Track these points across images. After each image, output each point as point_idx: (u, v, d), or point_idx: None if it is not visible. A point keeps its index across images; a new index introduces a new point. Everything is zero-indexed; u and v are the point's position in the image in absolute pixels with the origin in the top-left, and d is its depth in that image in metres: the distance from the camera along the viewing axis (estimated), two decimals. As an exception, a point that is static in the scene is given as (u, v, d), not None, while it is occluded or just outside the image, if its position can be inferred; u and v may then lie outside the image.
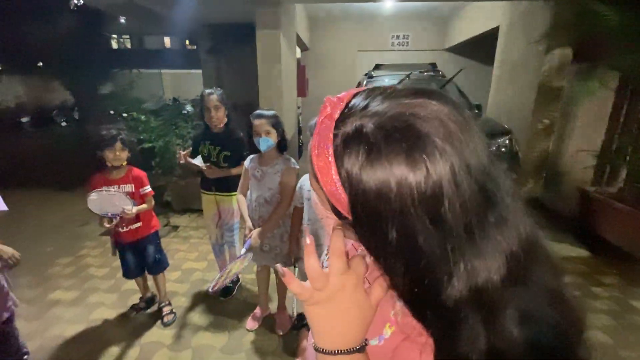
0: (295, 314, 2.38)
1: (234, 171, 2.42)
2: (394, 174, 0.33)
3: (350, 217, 0.37)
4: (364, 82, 5.21)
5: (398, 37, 8.21)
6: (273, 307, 2.46)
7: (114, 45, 14.90)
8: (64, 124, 10.14)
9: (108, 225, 2.00)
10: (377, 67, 6.18)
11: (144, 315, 2.46)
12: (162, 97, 7.03)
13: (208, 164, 2.39)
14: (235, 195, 2.50)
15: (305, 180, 1.96)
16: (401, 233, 0.33)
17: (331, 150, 0.37)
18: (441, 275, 0.33)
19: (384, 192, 0.33)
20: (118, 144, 2.07)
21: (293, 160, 2.02)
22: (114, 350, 2.12)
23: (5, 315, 1.42)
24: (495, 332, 0.32)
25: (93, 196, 1.98)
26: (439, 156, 0.32)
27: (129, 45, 16.71)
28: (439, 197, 0.32)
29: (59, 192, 5.12)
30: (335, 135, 0.37)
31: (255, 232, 1.89)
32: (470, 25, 6.62)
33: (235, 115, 2.47)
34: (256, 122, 1.93)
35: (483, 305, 0.33)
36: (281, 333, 2.26)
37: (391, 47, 8.28)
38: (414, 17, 7.89)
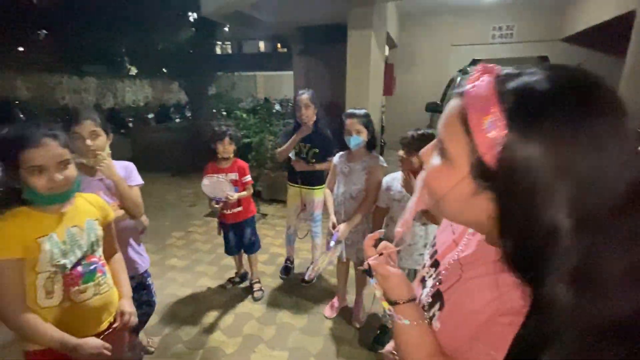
0: (371, 310, 2.45)
1: (319, 167, 2.63)
2: (564, 137, 0.34)
3: (492, 169, 0.39)
4: (458, 79, 4.94)
5: (500, 28, 7.49)
6: (350, 299, 2.57)
7: (218, 50, 16.95)
8: (178, 120, 12.04)
9: (217, 206, 2.36)
10: (474, 62, 5.77)
11: (237, 289, 2.83)
12: (255, 97, 7.79)
13: (296, 158, 2.63)
14: (319, 188, 2.71)
15: (393, 181, 1.95)
16: (548, 197, 0.35)
17: (499, 106, 0.38)
18: (562, 248, 0.35)
19: (549, 152, 0.34)
20: (227, 139, 2.43)
21: (381, 158, 2.09)
22: (213, 314, 2.51)
23: (144, 266, 1.84)
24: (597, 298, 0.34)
25: (205, 182, 2.37)
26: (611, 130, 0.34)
27: (229, 51, 18.84)
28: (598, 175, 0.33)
29: (175, 176, 6.16)
30: (501, 92, 0.39)
31: (343, 226, 2.02)
32: (595, 10, 5.66)
33: (323, 114, 2.63)
34: (348, 120, 2.04)
35: (591, 280, 0.34)
36: (358, 326, 2.36)
37: (492, 40, 7.60)
38: (521, 6, 7.09)
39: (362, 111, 2.08)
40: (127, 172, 1.68)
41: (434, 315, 0.60)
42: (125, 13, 7.26)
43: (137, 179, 1.71)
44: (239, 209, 2.57)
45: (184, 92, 9.37)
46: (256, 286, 2.75)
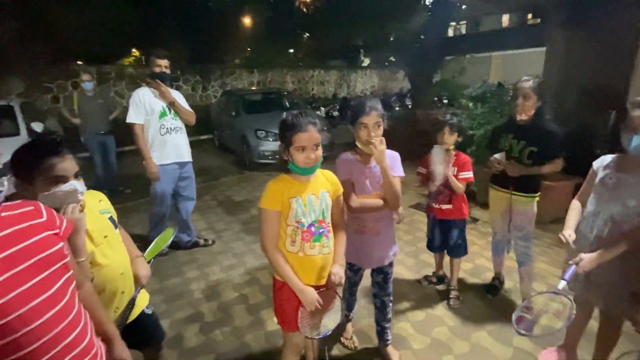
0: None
1: (546, 169, 2.19)
2: None
3: None
4: None
5: None
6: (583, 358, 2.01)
7: (450, 32, 16.42)
8: (397, 108, 12.86)
9: (435, 187, 2.40)
10: None
11: (432, 289, 2.83)
12: (486, 81, 7.08)
13: (508, 161, 2.27)
14: (534, 197, 2.30)
15: None
16: None
17: None
18: None
19: None
20: (447, 128, 2.38)
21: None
22: (404, 304, 2.63)
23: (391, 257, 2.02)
24: None
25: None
26: None
27: (463, 31, 17.89)
28: None
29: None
30: None
31: (589, 256, 1.58)
32: None
33: (548, 108, 2.18)
34: (637, 112, 1.53)
35: None
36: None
37: None
38: None
39: None
40: (391, 161, 1.76)
41: None
42: (366, 9, 8.30)
43: (400, 170, 1.79)
44: (449, 206, 2.52)
45: (408, 79, 9.84)
46: (453, 293, 2.64)
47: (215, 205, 4.70)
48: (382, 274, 2.03)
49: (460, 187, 2.41)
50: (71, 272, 0.95)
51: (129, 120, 2.94)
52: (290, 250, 1.52)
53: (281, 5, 11.91)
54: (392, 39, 9.17)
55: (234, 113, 7.04)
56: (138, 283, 1.49)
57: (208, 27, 12.06)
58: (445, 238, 2.62)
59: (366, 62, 16.86)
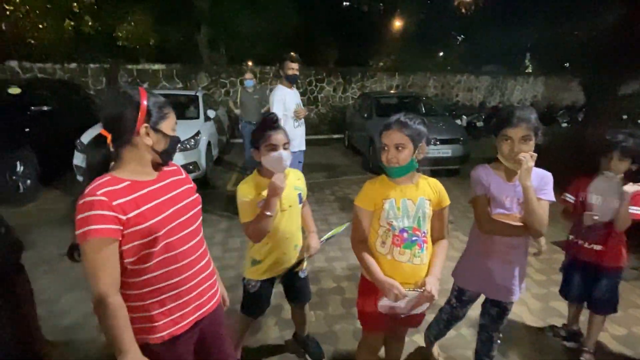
0: None
1: None
2: None
3: None
4: None
5: None
6: None
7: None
8: (564, 124, 10.81)
9: (595, 218, 1.98)
10: None
11: (557, 343, 2.37)
12: None
13: None
14: None
15: None
16: None
17: None
18: None
19: None
20: (616, 152, 1.94)
21: None
22: (520, 351, 2.30)
23: (515, 296, 1.74)
24: None
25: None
26: None
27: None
28: None
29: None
30: None
31: None
32: None
33: None
34: None
35: None
36: None
37: None
38: None
39: None
40: (540, 183, 1.59)
41: None
42: (542, 5, 7.25)
43: (550, 194, 1.60)
44: (601, 247, 2.06)
45: (582, 90, 8.16)
46: (586, 357, 2.16)
47: (332, 200, 5.04)
48: (499, 307, 1.80)
49: (626, 221, 1.94)
50: (201, 218, 1.34)
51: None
52: (379, 251, 1.56)
53: (436, 7, 11.62)
54: (569, 39, 7.78)
55: (366, 115, 7.32)
56: (307, 252, 1.89)
57: (357, 32, 12.80)
58: (589, 287, 2.16)
59: (530, 68, 14.72)
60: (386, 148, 1.50)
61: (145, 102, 1.14)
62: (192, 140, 5.16)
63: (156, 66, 9.81)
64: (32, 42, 10.20)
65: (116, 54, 10.01)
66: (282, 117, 3.43)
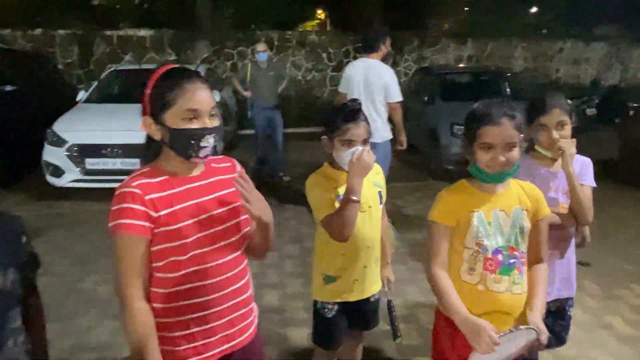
0: None
1: None
2: None
3: None
4: None
5: None
6: None
7: None
8: None
9: None
10: None
11: None
12: None
13: None
14: None
15: None
16: None
17: None
18: None
19: None
20: None
21: None
22: None
23: (571, 292, 2.10)
24: None
25: None
26: None
27: None
28: None
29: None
30: None
31: None
32: None
33: None
34: None
35: None
36: None
37: None
38: None
39: None
40: (581, 168, 1.98)
41: None
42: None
43: (591, 180, 2.01)
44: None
45: None
46: None
47: (379, 214, 5.16)
48: (560, 309, 2.11)
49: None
50: (247, 229, 1.45)
51: (398, 98, 4.31)
52: (467, 281, 1.62)
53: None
54: None
55: (426, 98, 7.36)
56: (387, 285, 2.11)
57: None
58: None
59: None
60: (490, 148, 1.55)
61: (149, 89, 1.28)
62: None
63: (142, 32, 10.37)
64: (-16, 2, 11.08)
65: (91, 17, 10.66)
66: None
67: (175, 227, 1.27)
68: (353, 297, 1.97)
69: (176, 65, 1.37)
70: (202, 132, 1.27)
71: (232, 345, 1.41)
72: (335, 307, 1.99)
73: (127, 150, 5.19)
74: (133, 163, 5.14)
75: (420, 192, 5.99)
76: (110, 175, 5.26)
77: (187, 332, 1.34)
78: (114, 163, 5.25)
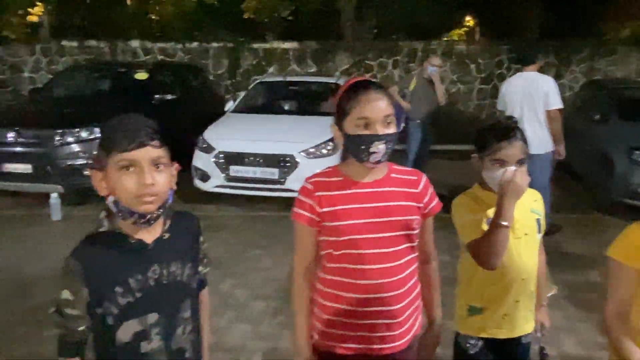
0: None
1: None
2: None
3: None
4: None
5: None
6: None
7: None
8: None
9: None
10: None
11: None
12: None
13: None
14: None
15: None
16: None
17: None
18: None
19: None
20: None
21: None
22: None
23: None
24: None
25: None
26: None
27: None
28: None
29: None
30: None
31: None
32: None
33: None
34: None
35: None
36: None
37: None
38: None
39: None
40: None
41: None
42: None
43: None
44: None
45: None
46: None
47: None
48: None
49: None
50: (414, 244, 1.58)
51: (558, 105, 4.49)
52: None
53: None
54: None
55: (597, 117, 6.70)
56: (541, 330, 2.02)
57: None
58: None
59: None
60: None
61: (336, 100, 1.50)
62: (330, 143, 5.69)
63: (286, 44, 11.20)
64: (153, 17, 12.94)
65: (240, 31, 11.78)
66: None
67: (332, 224, 1.50)
68: (501, 334, 1.87)
69: (361, 78, 1.61)
70: (371, 139, 1.43)
71: (369, 348, 1.55)
72: (480, 343, 1.89)
73: (267, 160, 5.61)
74: (272, 172, 5.64)
75: (584, 226, 5.52)
76: (250, 182, 5.74)
77: (330, 317, 1.57)
78: (255, 172, 5.67)
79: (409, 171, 1.65)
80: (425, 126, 6.31)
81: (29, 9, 11.87)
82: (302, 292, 1.60)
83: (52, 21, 12.61)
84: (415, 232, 1.56)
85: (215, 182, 5.74)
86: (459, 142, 8.32)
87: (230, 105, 7.09)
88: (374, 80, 1.62)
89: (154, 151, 1.12)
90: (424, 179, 1.62)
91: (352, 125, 1.45)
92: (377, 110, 1.43)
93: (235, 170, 5.71)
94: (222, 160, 5.69)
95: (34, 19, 12.36)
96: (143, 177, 1.09)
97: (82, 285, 1.12)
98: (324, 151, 5.65)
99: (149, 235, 1.20)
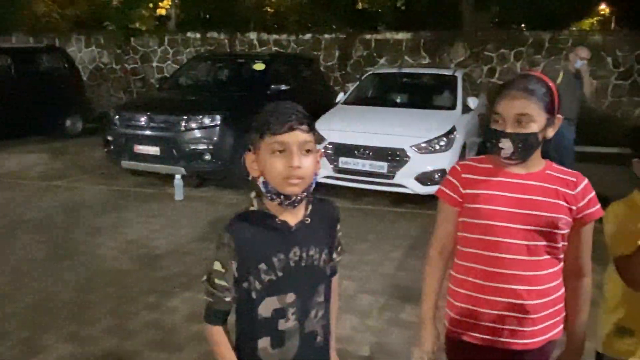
0: None
1: None
2: None
3: None
4: None
5: None
6: None
7: None
8: None
9: None
10: None
11: None
12: None
13: None
14: None
15: None
16: None
17: None
18: None
19: None
20: None
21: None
22: None
23: None
24: None
25: None
26: None
27: None
28: None
29: None
30: None
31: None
32: None
33: None
34: None
35: None
36: None
37: None
38: None
39: None
40: None
41: None
42: None
43: None
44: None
45: None
46: None
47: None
48: None
49: None
50: (557, 245, 1.52)
51: None
52: None
53: None
54: None
55: None
56: None
57: None
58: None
59: None
60: None
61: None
62: (444, 139, 5.59)
63: (399, 35, 11.07)
64: (269, 9, 13.55)
65: (353, 21, 11.90)
66: None
67: (473, 206, 1.55)
68: None
69: (524, 72, 1.72)
70: (497, 135, 1.48)
71: (498, 341, 1.55)
72: None
73: (377, 153, 5.61)
74: (380, 166, 5.61)
75: None
76: (357, 175, 5.77)
77: (462, 305, 1.61)
78: (363, 165, 5.69)
79: (570, 172, 1.57)
80: (570, 125, 5.81)
81: (159, 3, 13.06)
82: (436, 268, 1.67)
83: (179, 14, 13.76)
84: (561, 232, 1.49)
85: (323, 173, 5.77)
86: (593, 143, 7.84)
87: (341, 96, 7.18)
88: (539, 76, 1.53)
89: (302, 135, 1.17)
90: (585, 182, 1.53)
91: (492, 119, 1.52)
92: (509, 108, 1.45)
93: (344, 162, 5.78)
94: (332, 152, 5.78)
95: (162, 12, 13.60)
96: (291, 159, 1.15)
97: (233, 258, 1.22)
98: (437, 147, 5.53)
99: (292, 218, 1.27)
